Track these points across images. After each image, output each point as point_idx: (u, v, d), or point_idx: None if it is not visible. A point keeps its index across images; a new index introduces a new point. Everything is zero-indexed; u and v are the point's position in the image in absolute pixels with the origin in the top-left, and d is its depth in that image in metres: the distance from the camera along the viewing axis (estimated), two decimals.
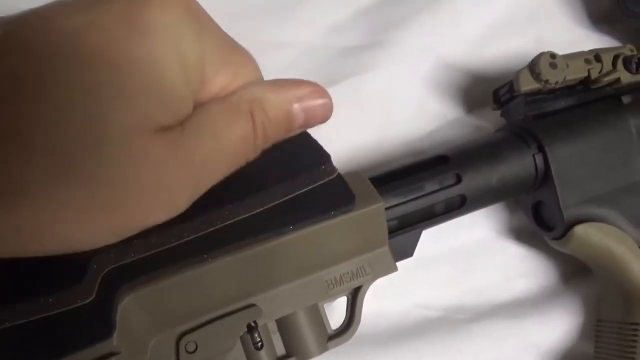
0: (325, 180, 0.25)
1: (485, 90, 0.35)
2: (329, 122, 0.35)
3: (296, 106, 0.20)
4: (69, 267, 0.20)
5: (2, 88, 0.13)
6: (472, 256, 0.33)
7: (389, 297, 0.32)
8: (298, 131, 0.21)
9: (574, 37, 0.39)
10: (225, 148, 0.17)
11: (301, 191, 0.24)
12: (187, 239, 0.22)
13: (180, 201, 0.17)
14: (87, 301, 0.20)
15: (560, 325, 0.31)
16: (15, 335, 0.20)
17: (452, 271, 0.33)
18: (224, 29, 0.35)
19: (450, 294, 0.32)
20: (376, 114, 0.35)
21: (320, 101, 0.21)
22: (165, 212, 0.17)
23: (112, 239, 0.17)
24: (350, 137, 0.34)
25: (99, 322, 0.20)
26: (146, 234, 0.20)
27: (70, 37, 0.14)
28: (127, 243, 0.20)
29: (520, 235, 0.34)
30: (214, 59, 0.17)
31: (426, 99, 0.36)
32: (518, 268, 0.33)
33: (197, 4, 0.17)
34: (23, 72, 0.13)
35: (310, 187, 0.24)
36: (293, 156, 0.24)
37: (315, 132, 0.34)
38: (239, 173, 0.22)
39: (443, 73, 0.36)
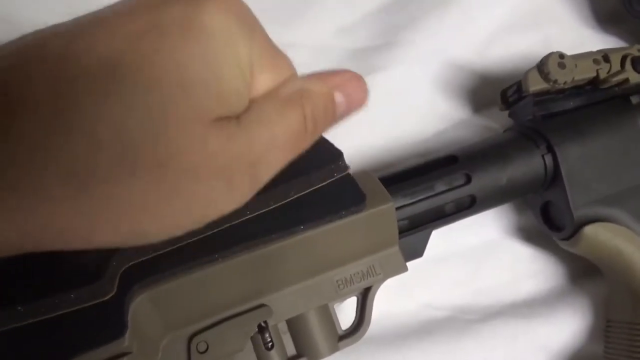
0: (336, 179, 0.25)
1: (493, 91, 0.35)
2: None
3: (338, 94, 0.20)
4: (90, 263, 0.20)
5: (74, 87, 0.14)
6: (480, 257, 0.33)
7: (397, 297, 0.32)
8: (340, 120, 0.22)
9: (580, 38, 0.39)
10: (281, 139, 0.18)
11: (313, 188, 0.24)
12: (197, 237, 0.22)
13: (238, 192, 0.18)
14: (106, 298, 0.20)
15: (569, 325, 0.31)
16: (26, 335, 0.20)
17: (461, 272, 0.33)
18: None
19: (458, 294, 0.32)
20: (385, 115, 0.35)
21: (357, 85, 0.21)
22: (225, 203, 0.18)
23: (175, 230, 0.17)
24: (359, 137, 0.34)
25: (111, 321, 0.20)
26: None
27: (134, 42, 0.15)
28: None
29: (528, 236, 0.34)
30: (261, 59, 0.18)
31: (435, 100, 0.36)
32: (526, 269, 0.33)
33: (247, 8, 0.18)
34: (92, 74, 0.15)
35: (323, 184, 0.24)
36: (304, 154, 0.24)
37: (327, 130, 0.34)
38: None
39: (451, 74, 0.36)
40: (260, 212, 0.23)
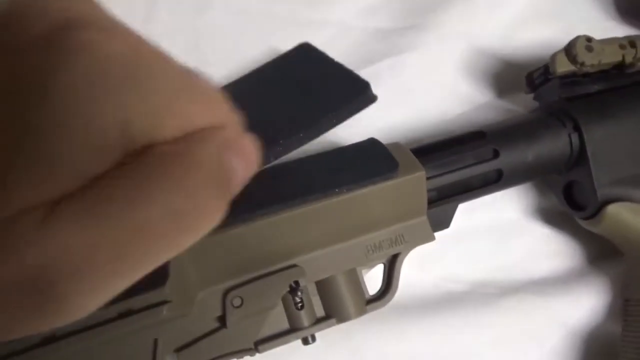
0: (369, 147, 0.26)
1: (516, 76, 0.36)
2: None
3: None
4: None
5: None
6: (501, 236, 0.34)
7: (417, 270, 0.32)
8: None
9: (603, 29, 0.39)
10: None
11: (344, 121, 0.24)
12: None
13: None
14: None
15: (587, 303, 0.32)
16: None
17: (481, 249, 0.34)
18: (262, 10, 0.36)
19: (478, 270, 0.33)
20: (409, 96, 0.35)
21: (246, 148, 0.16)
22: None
23: None
24: (382, 117, 0.35)
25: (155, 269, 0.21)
26: None
27: None
28: None
29: (549, 217, 0.35)
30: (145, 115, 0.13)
31: (458, 82, 0.36)
32: (546, 249, 0.34)
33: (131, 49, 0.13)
34: None
35: (354, 114, 0.24)
36: (332, 88, 0.24)
37: None
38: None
39: (476, 57, 0.37)
40: (299, 173, 0.24)
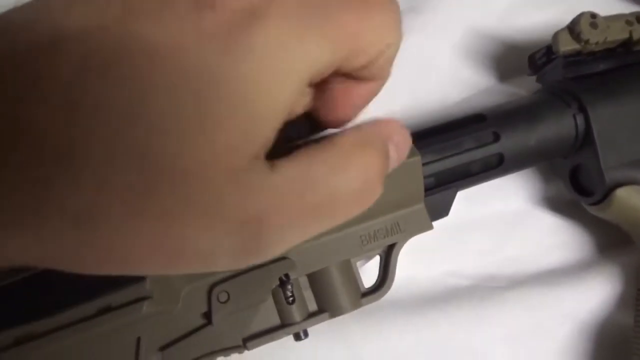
0: None
1: (517, 59, 0.34)
2: None
3: (391, 147, 0.17)
4: None
5: (83, 121, 0.12)
6: (506, 226, 0.32)
7: (420, 264, 0.31)
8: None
9: (607, 10, 0.38)
10: (341, 195, 0.15)
11: None
12: None
13: (250, 257, 0.15)
14: None
15: (597, 294, 0.30)
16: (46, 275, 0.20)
17: (486, 241, 0.32)
18: None
19: (484, 263, 0.32)
20: (409, 81, 0.34)
21: (404, 137, 0.18)
22: (230, 265, 0.15)
23: (170, 271, 0.15)
24: (381, 103, 0.33)
25: None
26: None
27: (157, 63, 0.13)
28: None
29: (556, 206, 0.33)
30: (335, 52, 0.15)
31: (458, 67, 0.35)
32: (553, 239, 0.32)
33: None
34: (100, 101, 0.12)
35: None
36: None
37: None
38: None
39: (476, 41, 0.35)
40: None
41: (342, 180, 0.15)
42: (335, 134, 0.16)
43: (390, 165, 0.17)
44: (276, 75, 0.14)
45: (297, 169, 0.14)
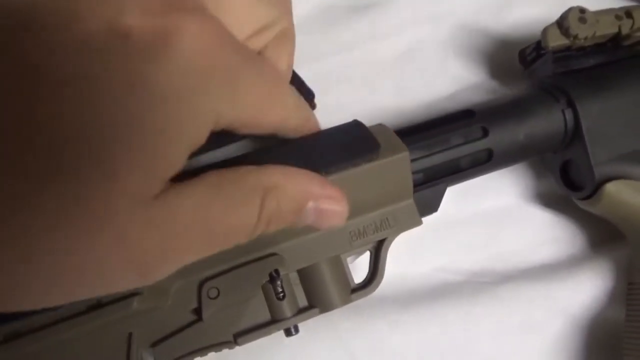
0: (352, 129, 0.25)
1: (507, 54, 0.35)
2: (350, 83, 0.34)
3: (311, 204, 0.18)
4: None
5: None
6: (497, 222, 0.32)
7: (411, 260, 0.31)
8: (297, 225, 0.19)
9: (598, 4, 0.38)
10: (220, 229, 0.16)
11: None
12: None
13: (150, 277, 0.16)
14: None
15: (589, 289, 0.30)
16: None
17: (477, 237, 0.32)
18: None
19: (474, 259, 0.32)
20: (397, 76, 0.34)
21: (336, 208, 0.19)
22: (132, 285, 0.16)
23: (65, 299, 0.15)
24: (368, 98, 0.34)
25: None
26: None
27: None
28: None
29: (547, 201, 0.33)
30: (245, 110, 0.16)
31: (446, 62, 0.35)
32: (544, 234, 0.33)
33: (229, 44, 0.15)
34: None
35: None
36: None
37: (335, 92, 0.34)
38: None
39: (465, 35, 0.36)
40: (278, 157, 0.23)
41: (237, 218, 0.16)
42: (242, 170, 0.17)
43: (300, 220, 0.18)
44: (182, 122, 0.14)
45: (200, 199, 0.15)
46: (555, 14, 0.31)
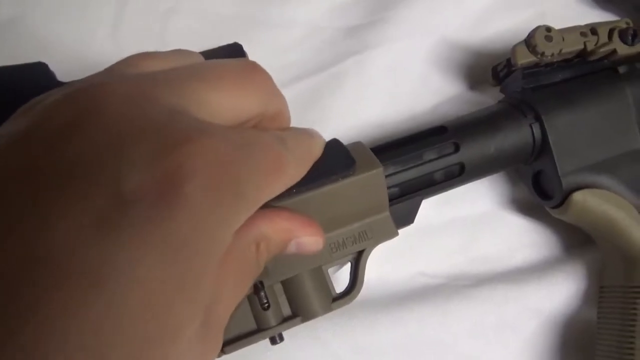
0: (327, 146, 0.26)
1: (487, 67, 0.36)
2: (335, 99, 0.36)
3: (293, 243, 0.21)
4: None
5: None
6: (474, 227, 0.34)
7: (391, 265, 0.33)
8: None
9: (576, 14, 0.39)
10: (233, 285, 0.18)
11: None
12: None
13: None
14: None
15: (562, 291, 0.32)
16: None
17: (455, 242, 0.34)
18: (230, 8, 0.36)
19: (451, 263, 0.33)
20: (380, 91, 0.36)
21: (313, 239, 0.22)
22: None
23: None
24: (354, 113, 0.35)
25: None
26: None
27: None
28: None
29: (522, 207, 0.35)
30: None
31: (429, 76, 0.36)
32: (520, 239, 0.34)
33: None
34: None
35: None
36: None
37: (322, 108, 0.35)
38: None
39: (445, 50, 0.37)
40: None
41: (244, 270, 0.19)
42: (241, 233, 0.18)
43: (285, 254, 0.21)
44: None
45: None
46: (533, 26, 0.32)
